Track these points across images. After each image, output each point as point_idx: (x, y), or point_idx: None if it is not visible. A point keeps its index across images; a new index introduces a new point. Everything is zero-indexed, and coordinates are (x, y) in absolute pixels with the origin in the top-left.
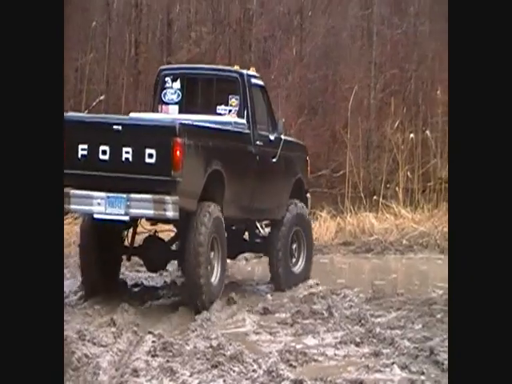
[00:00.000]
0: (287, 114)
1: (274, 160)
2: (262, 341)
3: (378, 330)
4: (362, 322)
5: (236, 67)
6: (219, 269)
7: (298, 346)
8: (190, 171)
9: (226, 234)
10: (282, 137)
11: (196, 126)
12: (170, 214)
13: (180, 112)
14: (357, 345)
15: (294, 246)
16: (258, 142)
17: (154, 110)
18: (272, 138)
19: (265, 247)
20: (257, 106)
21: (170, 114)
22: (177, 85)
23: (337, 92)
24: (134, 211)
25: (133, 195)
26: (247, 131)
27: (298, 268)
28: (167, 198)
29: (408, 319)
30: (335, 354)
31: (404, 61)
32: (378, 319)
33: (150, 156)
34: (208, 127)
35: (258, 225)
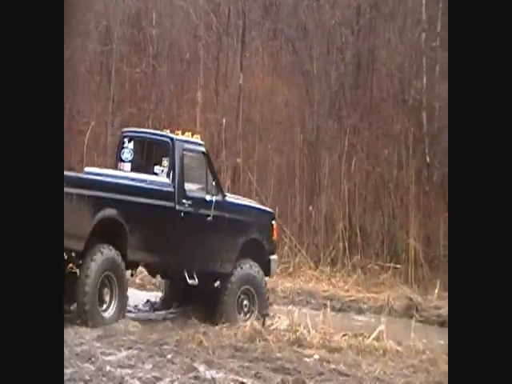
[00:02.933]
0: None
1: (209, 218)
2: None
3: (108, 368)
4: (93, 359)
5: (166, 131)
6: (115, 303)
7: None
8: (71, 216)
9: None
10: (230, 200)
11: (81, 178)
12: None
13: (132, 169)
14: (86, 382)
15: (245, 303)
16: (184, 201)
17: (115, 166)
18: (208, 198)
19: (215, 299)
20: (188, 169)
21: (125, 171)
22: (131, 145)
23: (73, 126)
24: None
25: None
26: (169, 189)
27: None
28: None
29: (138, 358)
30: None
31: (142, 100)
32: (109, 357)
33: None
34: (100, 181)
35: (186, 274)
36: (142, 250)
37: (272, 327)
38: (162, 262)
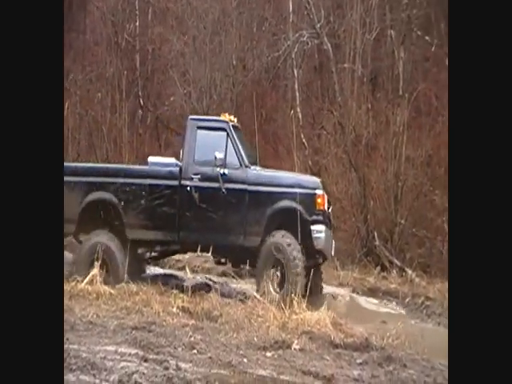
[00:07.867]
0: None
1: (223, 191)
2: None
3: None
4: None
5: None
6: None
7: None
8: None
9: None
10: (253, 172)
11: (68, 167)
12: None
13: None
14: None
15: (277, 274)
16: (193, 176)
17: None
18: (222, 172)
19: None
20: (202, 146)
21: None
22: None
23: None
24: None
25: None
26: (172, 168)
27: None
28: None
29: None
30: None
31: None
32: None
33: None
34: (87, 168)
35: (200, 248)
36: (141, 228)
37: None
38: (166, 238)
